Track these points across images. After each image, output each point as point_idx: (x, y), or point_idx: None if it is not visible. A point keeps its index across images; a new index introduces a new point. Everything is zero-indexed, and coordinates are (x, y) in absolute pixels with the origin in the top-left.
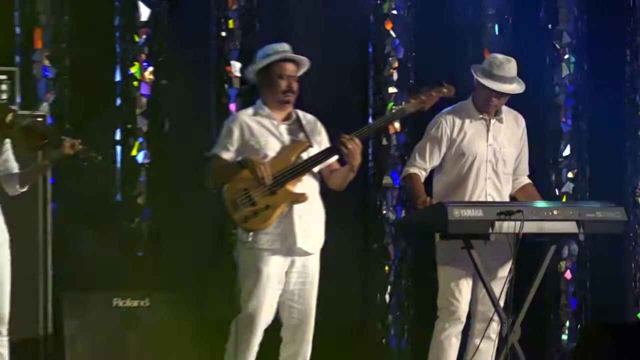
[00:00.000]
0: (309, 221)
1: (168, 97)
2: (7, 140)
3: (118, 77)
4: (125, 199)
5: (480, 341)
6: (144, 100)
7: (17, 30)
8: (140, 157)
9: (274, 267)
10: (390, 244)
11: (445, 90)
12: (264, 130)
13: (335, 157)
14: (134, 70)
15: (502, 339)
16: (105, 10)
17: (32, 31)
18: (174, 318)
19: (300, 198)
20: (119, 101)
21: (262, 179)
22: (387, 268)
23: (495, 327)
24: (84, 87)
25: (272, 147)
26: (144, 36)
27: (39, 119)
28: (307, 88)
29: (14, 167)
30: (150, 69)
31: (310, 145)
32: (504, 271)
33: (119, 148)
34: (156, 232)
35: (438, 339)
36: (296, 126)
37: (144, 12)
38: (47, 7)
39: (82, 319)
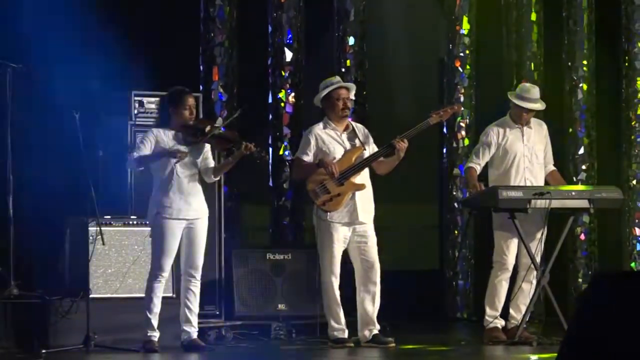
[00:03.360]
0: (365, 201)
1: (304, 113)
2: (207, 145)
3: (270, 100)
4: (275, 184)
5: (522, 282)
6: (287, 115)
7: (201, 68)
8: (285, 155)
9: (342, 233)
10: (458, 215)
11: (455, 107)
12: (331, 140)
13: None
14: (281, 95)
15: (537, 282)
16: (260, 53)
17: (211, 69)
18: (307, 268)
19: (361, 187)
20: (270, 116)
21: (333, 175)
22: (456, 232)
23: (534, 273)
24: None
25: (338, 151)
26: (288, 71)
27: (225, 130)
28: (401, 106)
29: (212, 163)
30: (293, 94)
31: (365, 149)
32: (539, 234)
33: (270, 149)
34: (297, 207)
35: (493, 282)
36: (353, 134)
37: (288, 55)
38: (220, 52)
39: (245, 267)
